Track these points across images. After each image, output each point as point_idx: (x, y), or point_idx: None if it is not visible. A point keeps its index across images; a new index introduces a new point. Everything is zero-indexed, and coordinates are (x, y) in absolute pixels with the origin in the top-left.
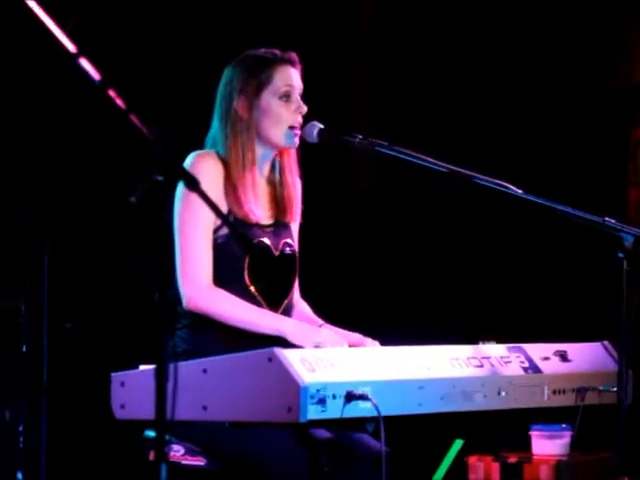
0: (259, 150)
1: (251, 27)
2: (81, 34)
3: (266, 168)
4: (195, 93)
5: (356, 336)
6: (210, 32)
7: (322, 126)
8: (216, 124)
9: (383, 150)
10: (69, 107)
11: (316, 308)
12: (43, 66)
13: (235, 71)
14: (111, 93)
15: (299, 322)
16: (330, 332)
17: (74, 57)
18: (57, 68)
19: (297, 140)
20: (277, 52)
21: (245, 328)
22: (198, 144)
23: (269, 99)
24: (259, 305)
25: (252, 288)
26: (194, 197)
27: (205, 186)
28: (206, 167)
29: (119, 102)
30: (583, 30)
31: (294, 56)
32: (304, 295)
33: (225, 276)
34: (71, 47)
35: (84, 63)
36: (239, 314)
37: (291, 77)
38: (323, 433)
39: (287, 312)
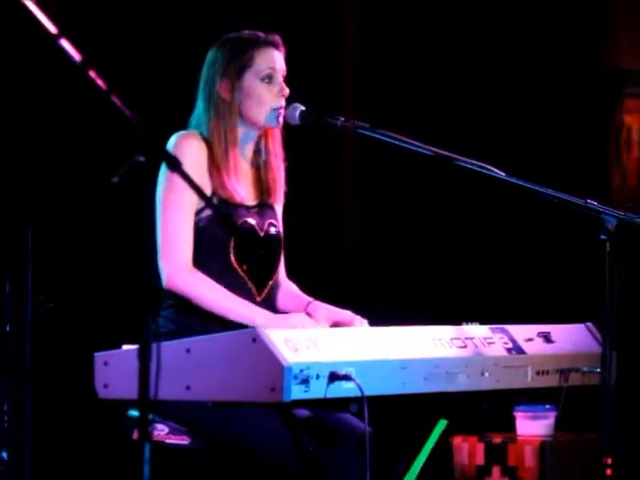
0: (241, 130)
1: (234, 8)
2: (62, 16)
3: (249, 150)
4: (178, 73)
5: (346, 313)
6: (193, 13)
7: (304, 108)
8: (200, 106)
9: (366, 132)
10: (50, 88)
11: (306, 287)
12: (24, 48)
13: (217, 53)
14: (92, 74)
15: (272, 314)
16: (303, 316)
17: (55, 38)
18: (37, 49)
19: (281, 119)
20: (260, 34)
21: (219, 314)
22: (181, 125)
23: (251, 81)
24: (245, 285)
25: (238, 268)
26: (177, 178)
27: (188, 166)
28: (189, 147)
29: (100, 83)
30: (568, 14)
31: (277, 38)
32: (293, 274)
33: (211, 257)
34: (52, 28)
35: (65, 44)
36: (214, 299)
37: (274, 59)
38: (306, 413)
39: (273, 291)
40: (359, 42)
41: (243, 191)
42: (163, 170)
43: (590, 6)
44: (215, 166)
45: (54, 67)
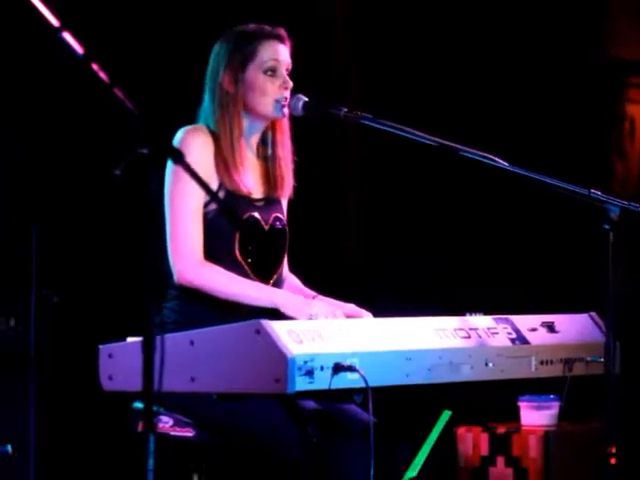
0: (246, 122)
1: (241, 2)
2: (64, 9)
3: (254, 141)
4: (187, 66)
5: (350, 307)
6: (200, 7)
7: (307, 99)
8: (206, 98)
9: (369, 123)
10: (53, 81)
11: (308, 281)
12: (27, 41)
13: (222, 46)
14: (95, 67)
15: (292, 294)
16: (323, 303)
17: (57, 31)
18: (40, 42)
19: (286, 111)
20: (265, 27)
21: (238, 301)
22: (190, 118)
23: (255, 73)
24: (250, 278)
25: (243, 262)
26: (182, 172)
27: (194, 160)
28: (195, 142)
29: (103, 76)
30: (571, 4)
31: (282, 32)
32: (297, 268)
33: (216, 250)
34: (54, 21)
35: (67, 37)
36: (231, 287)
37: (278, 52)
38: (311, 404)
39: (277, 285)
40: (363, 34)
41: (250, 183)
42: (170, 165)
43: None
44: (222, 159)
45: (56, 61)
